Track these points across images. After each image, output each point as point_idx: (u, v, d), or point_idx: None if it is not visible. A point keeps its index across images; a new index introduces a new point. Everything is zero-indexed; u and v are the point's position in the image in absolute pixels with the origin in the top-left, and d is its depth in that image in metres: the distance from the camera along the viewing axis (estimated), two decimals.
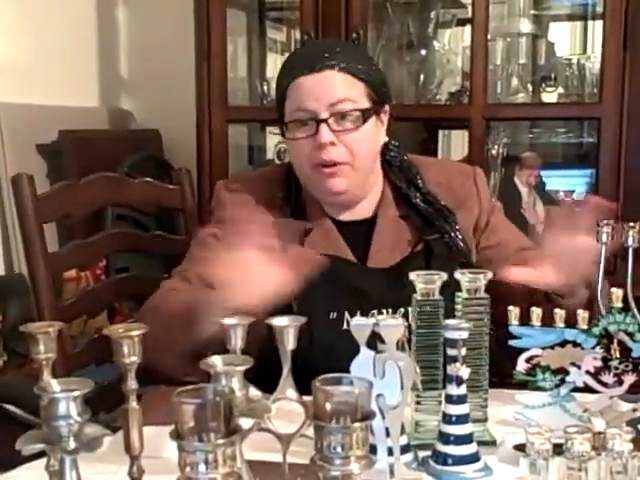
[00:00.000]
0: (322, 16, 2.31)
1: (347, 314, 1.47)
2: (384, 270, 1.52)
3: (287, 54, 2.66)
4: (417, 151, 2.50)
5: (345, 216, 1.56)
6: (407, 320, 1.12)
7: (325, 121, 1.44)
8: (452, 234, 1.53)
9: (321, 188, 1.50)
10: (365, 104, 1.48)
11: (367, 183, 1.55)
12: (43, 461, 0.87)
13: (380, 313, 1.45)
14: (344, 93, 1.46)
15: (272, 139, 2.76)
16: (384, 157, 1.59)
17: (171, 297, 1.42)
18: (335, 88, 1.46)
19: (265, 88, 2.59)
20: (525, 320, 1.17)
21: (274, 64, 2.79)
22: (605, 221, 1.20)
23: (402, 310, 1.44)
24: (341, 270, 1.50)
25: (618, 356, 1.15)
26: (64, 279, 2.15)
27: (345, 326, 1.46)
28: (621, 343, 1.15)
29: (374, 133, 1.51)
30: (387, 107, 1.55)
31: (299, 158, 1.50)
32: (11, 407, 0.90)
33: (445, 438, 1.09)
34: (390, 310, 1.46)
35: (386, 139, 1.56)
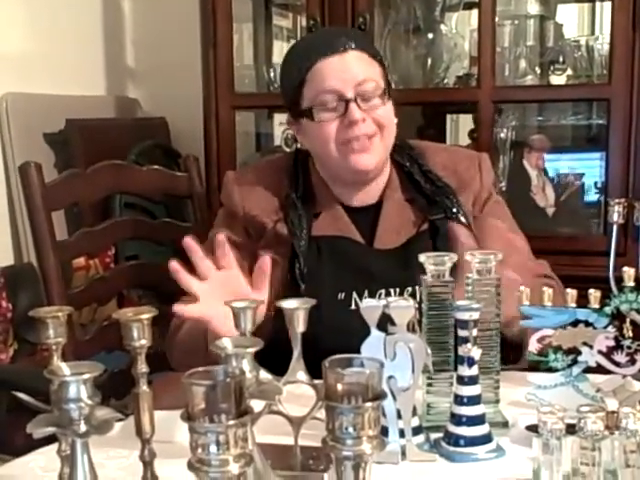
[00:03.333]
0: (328, 1, 2.29)
1: (355, 294, 1.48)
2: (390, 251, 1.53)
3: (293, 40, 2.65)
4: (424, 136, 2.50)
5: (355, 201, 1.58)
6: (415, 299, 1.12)
7: (354, 100, 1.47)
8: (454, 210, 1.54)
9: (347, 166, 1.50)
10: (383, 84, 1.51)
11: (385, 161, 1.57)
12: (55, 446, 0.87)
13: (387, 293, 1.46)
14: (368, 73, 1.49)
15: (279, 125, 2.75)
16: None
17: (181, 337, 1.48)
18: (359, 68, 1.49)
19: (272, 75, 2.58)
20: None
21: (280, 51, 2.78)
22: (617, 200, 1.19)
23: (409, 289, 1.46)
24: (348, 251, 1.53)
25: (630, 335, 1.15)
26: (73, 267, 2.15)
27: (353, 306, 1.47)
28: (633, 322, 1.15)
29: (393, 110, 1.54)
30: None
31: (324, 139, 1.50)
32: (22, 395, 0.90)
33: (457, 419, 1.09)
34: (397, 290, 1.47)
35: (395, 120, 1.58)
